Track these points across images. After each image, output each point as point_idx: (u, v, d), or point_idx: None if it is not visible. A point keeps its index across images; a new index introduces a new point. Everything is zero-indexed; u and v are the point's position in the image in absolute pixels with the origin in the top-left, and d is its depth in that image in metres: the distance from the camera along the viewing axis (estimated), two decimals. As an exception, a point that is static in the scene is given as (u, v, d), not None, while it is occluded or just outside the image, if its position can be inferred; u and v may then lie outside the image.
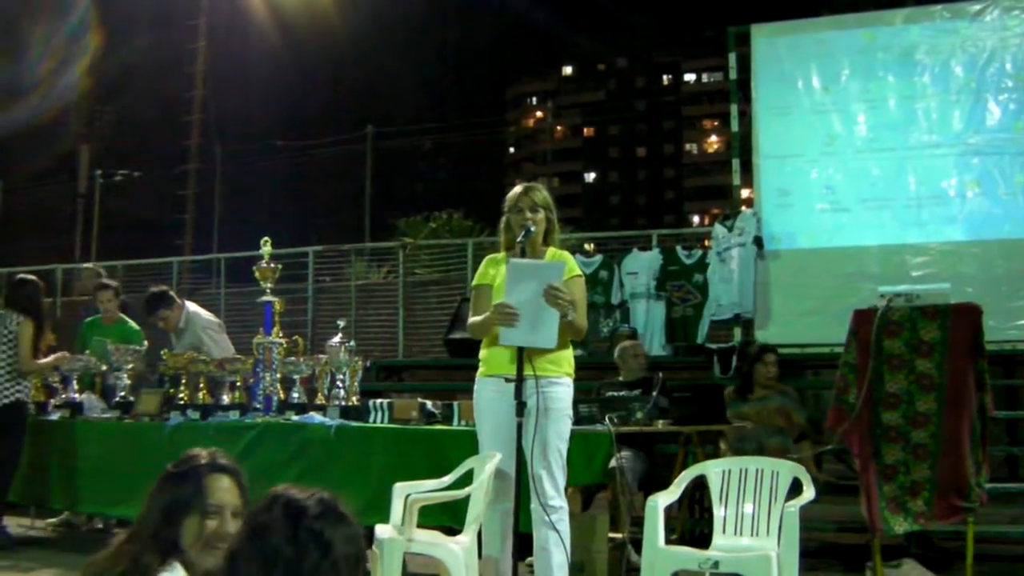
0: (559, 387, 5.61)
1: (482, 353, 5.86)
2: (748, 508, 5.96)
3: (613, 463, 6.96)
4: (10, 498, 9.09)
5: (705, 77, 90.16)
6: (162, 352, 8.81)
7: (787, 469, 5.98)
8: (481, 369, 5.85)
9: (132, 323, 10.07)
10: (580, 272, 5.84)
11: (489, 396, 5.75)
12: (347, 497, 6.53)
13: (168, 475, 3.32)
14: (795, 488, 5.82)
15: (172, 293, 9.81)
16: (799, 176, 10.80)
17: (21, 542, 8.96)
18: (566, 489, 5.81)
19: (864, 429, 6.54)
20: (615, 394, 8.28)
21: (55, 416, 9.05)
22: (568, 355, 5.73)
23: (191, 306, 9.89)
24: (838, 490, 8.78)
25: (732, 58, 11.58)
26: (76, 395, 9.10)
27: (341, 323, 8.02)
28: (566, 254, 5.87)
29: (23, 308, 8.94)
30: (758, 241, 10.54)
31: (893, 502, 6.46)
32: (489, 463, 5.63)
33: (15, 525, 9.52)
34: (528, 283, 5.43)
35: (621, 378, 8.92)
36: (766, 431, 8.00)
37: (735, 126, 11.79)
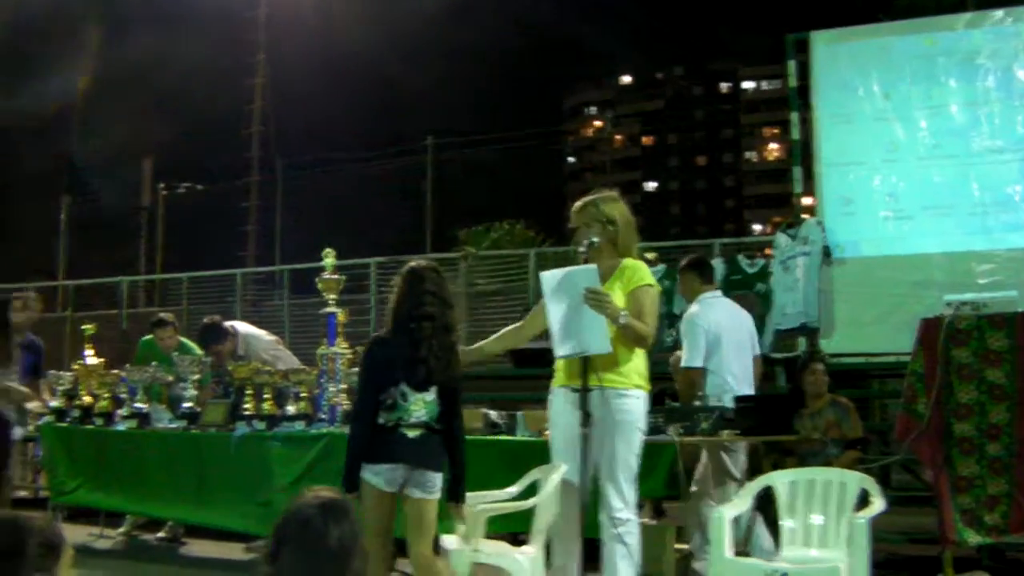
0: (628, 399, 5.59)
1: (556, 363, 5.86)
2: (816, 519, 5.93)
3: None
4: (84, 503, 9.32)
5: (764, 85, 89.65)
6: (228, 364, 8.88)
7: (855, 480, 5.95)
8: (554, 379, 5.88)
9: (192, 345, 10.10)
10: (651, 281, 5.79)
11: (559, 406, 5.77)
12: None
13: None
14: (864, 500, 5.78)
15: (224, 325, 9.82)
16: (862, 184, 10.72)
17: (92, 552, 9.07)
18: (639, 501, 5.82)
19: (935, 439, 6.48)
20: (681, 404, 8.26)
21: (123, 427, 9.16)
22: (638, 366, 5.69)
23: (244, 329, 9.93)
24: (907, 501, 8.70)
25: (792, 66, 11.51)
26: (143, 406, 9.19)
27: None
28: (640, 263, 5.84)
29: None
30: (826, 250, 10.47)
31: (969, 515, 6.39)
32: (555, 473, 5.64)
33: (85, 534, 9.64)
34: (565, 293, 5.44)
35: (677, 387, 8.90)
36: (833, 444, 7.92)
37: (796, 134, 11.72)
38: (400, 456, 5.39)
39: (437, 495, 5.49)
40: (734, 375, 7.65)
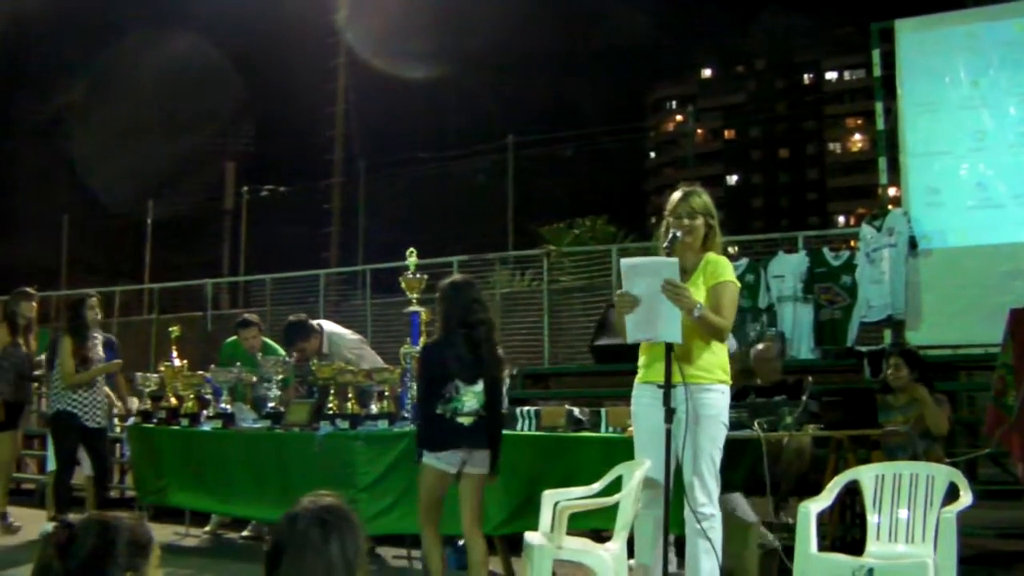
0: (711, 394, 5.58)
1: (639, 360, 5.86)
2: (903, 514, 5.84)
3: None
4: (170, 503, 9.46)
5: (847, 75, 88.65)
6: (311, 363, 8.93)
7: (943, 474, 5.85)
8: (637, 375, 5.87)
9: (276, 346, 10.18)
10: (732, 278, 5.76)
11: (643, 402, 5.76)
12: (496, 504, 6.68)
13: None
14: (952, 494, 5.68)
15: (310, 322, 9.89)
16: (949, 173, 10.56)
17: (178, 550, 9.17)
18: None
19: (1026, 432, 6.36)
20: (764, 399, 8.19)
21: (208, 427, 9.26)
22: (720, 361, 5.68)
23: (329, 327, 9.99)
24: (996, 495, 8.55)
25: (876, 55, 11.38)
26: (227, 406, 9.27)
27: (487, 331, 8.03)
28: (723, 259, 5.81)
29: (66, 327, 9.75)
30: (912, 242, 10.34)
31: (1061, 508, 6.27)
32: (638, 470, 5.61)
33: (170, 533, 9.75)
34: (643, 280, 5.43)
35: (759, 382, 8.80)
36: (920, 438, 7.79)
37: (881, 124, 11.56)
38: (459, 443, 6.35)
39: (487, 469, 6.44)
40: None
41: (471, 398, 6.36)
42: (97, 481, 9.71)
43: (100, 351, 9.68)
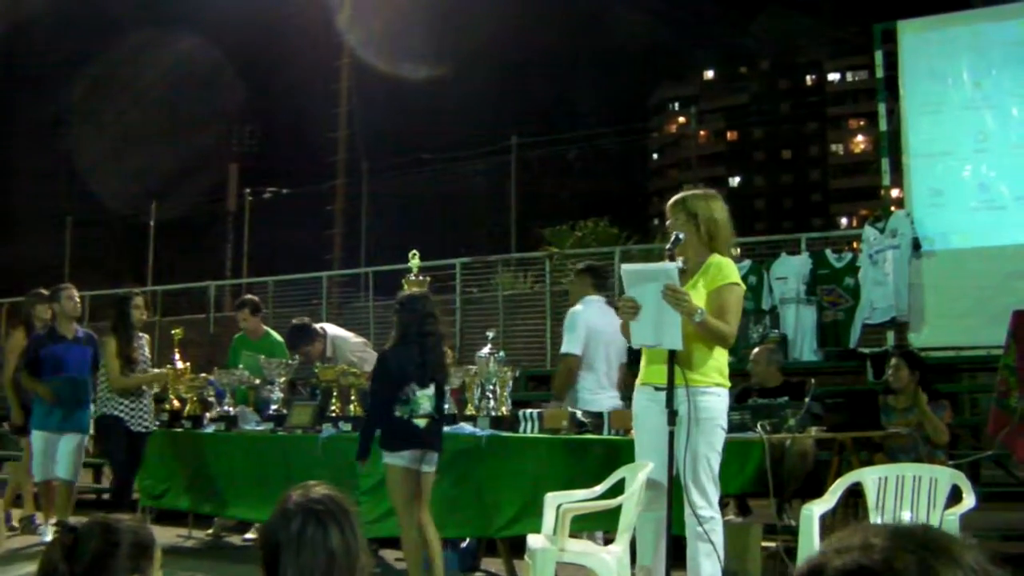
0: (710, 397, 5.56)
1: (641, 362, 5.87)
2: (906, 516, 5.83)
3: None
4: (173, 505, 9.47)
5: (850, 76, 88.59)
6: (314, 366, 8.93)
7: (946, 476, 5.84)
8: (638, 378, 5.88)
9: (278, 336, 10.21)
10: (735, 280, 5.75)
11: (643, 404, 5.77)
12: (499, 506, 6.67)
13: None
14: (955, 496, 5.67)
15: (314, 326, 9.86)
16: (951, 175, 10.56)
17: (181, 553, 9.16)
18: (722, 499, 5.77)
19: (1028, 434, 6.35)
20: (767, 401, 8.18)
21: (211, 429, 9.26)
22: (718, 364, 5.67)
23: (332, 330, 9.98)
24: (998, 497, 8.53)
25: (879, 56, 11.37)
26: (231, 408, 9.27)
27: (490, 334, 8.05)
28: (727, 261, 5.80)
29: (111, 326, 9.44)
30: (915, 243, 10.33)
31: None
32: (641, 472, 5.61)
33: (173, 535, 9.75)
34: (644, 285, 5.45)
35: (759, 383, 8.78)
36: (923, 442, 7.78)
37: (883, 125, 11.56)
38: (415, 443, 6.90)
39: (435, 468, 7.04)
40: (605, 371, 8.07)
41: (425, 401, 6.92)
42: (122, 487, 9.62)
43: (146, 352, 9.58)
